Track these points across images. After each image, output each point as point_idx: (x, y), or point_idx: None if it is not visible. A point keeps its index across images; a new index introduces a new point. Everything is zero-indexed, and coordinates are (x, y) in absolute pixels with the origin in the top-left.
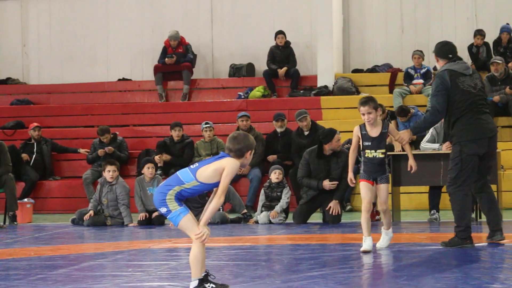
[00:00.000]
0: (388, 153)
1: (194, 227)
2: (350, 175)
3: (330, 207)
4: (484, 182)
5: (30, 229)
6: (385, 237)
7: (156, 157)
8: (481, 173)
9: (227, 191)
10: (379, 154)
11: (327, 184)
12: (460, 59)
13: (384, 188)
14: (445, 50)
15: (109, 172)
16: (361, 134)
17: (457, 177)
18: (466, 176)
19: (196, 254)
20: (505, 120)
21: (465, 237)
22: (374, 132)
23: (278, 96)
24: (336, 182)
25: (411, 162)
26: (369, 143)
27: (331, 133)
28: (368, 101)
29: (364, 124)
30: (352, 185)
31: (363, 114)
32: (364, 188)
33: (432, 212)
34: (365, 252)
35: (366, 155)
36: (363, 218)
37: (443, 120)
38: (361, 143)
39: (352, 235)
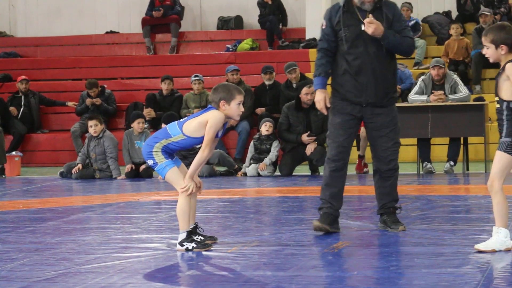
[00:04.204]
0: None
1: (180, 180)
2: None
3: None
4: None
5: (19, 182)
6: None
7: (146, 110)
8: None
9: (217, 156)
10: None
11: (305, 138)
12: None
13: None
14: None
15: (91, 128)
16: None
17: None
18: None
19: (183, 207)
20: (493, 72)
21: None
22: None
23: (270, 49)
24: (315, 137)
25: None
26: None
27: (302, 85)
28: (486, 32)
29: None
30: None
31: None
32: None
33: (424, 164)
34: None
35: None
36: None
37: (431, 71)
38: None
39: None
